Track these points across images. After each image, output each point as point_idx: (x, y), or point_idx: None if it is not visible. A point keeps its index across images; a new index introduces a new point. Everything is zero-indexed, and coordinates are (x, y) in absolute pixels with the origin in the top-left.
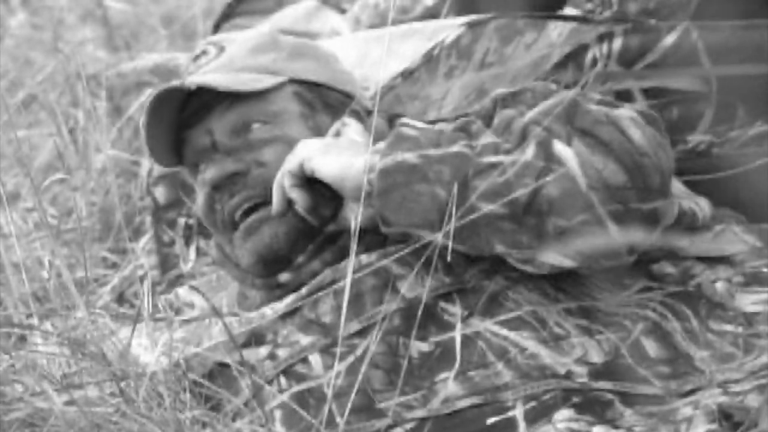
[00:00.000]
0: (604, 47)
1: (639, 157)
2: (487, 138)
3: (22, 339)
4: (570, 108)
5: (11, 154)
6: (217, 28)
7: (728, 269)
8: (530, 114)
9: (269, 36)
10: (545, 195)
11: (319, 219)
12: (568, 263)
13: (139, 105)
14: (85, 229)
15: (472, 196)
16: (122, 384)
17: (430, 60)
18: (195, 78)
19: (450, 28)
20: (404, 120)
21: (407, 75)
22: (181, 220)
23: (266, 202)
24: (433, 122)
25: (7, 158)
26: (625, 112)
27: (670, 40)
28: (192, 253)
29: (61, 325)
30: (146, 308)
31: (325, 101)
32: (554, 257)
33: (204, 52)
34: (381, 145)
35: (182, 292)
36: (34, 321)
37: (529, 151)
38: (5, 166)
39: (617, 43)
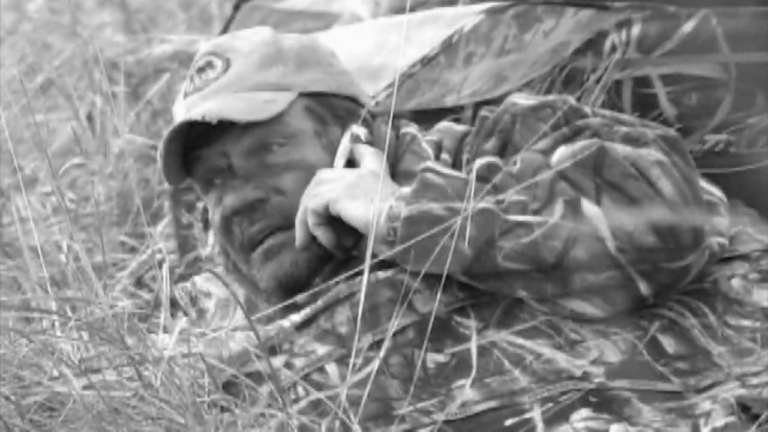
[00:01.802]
0: (623, 34)
1: (670, 215)
2: (514, 195)
3: (41, 323)
4: (598, 157)
5: (29, 139)
6: (237, 8)
7: (744, 265)
8: (557, 157)
9: (273, 45)
10: (573, 257)
11: (342, 250)
12: (591, 311)
13: (157, 89)
14: (103, 213)
15: (497, 255)
16: (141, 368)
17: (449, 47)
18: (212, 106)
19: (469, 15)
20: (429, 164)
21: (426, 62)
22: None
23: (284, 227)
24: (450, 109)
25: (25, 142)
26: (651, 155)
27: (689, 26)
28: (210, 237)
29: (80, 310)
30: (165, 293)
31: (334, 113)
32: (578, 304)
33: (209, 64)
34: (406, 190)
35: (199, 280)
36: (53, 305)
37: (557, 212)
38: (23, 150)
39: (636, 30)
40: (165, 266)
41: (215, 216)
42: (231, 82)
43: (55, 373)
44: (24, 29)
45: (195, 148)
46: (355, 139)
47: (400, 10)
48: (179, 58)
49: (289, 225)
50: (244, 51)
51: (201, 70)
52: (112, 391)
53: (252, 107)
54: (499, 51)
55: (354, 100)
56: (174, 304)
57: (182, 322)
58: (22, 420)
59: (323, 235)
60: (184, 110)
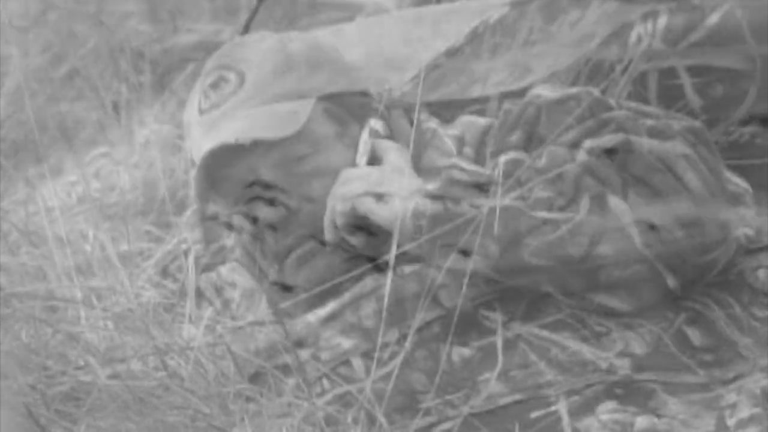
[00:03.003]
0: (649, 25)
1: (697, 209)
2: (540, 191)
3: (66, 312)
4: (623, 150)
5: (54, 128)
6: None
7: None
8: (582, 152)
9: (282, 51)
10: (600, 253)
11: (374, 248)
12: (617, 304)
13: (183, 79)
14: (128, 202)
15: (524, 252)
16: (166, 358)
17: (474, 38)
18: (240, 126)
19: (494, 6)
20: (454, 161)
21: (451, 53)
22: None
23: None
24: (476, 100)
25: (51, 132)
26: (677, 148)
27: (714, 18)
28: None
29: (105, 299)
30: (190, 283)
31: (351, 110)
32: (604, 298)
33: (222, 79)
34: (431, 187)
35: (224, 270)
36: (78, 294)
37: (584, 208)
38: (49, 139)
39: (662, 22)
40: (190, 256)
41: (244, 227)
42: (249, 96)
43: (81, 362)
44: (50, 18)
45: (221, 165)
46: (374, 134)
47: (424, 1)
48: (205, 48)
49: (321, 231)
50: (255, 61)
51: (214, 85)
52: (137, 381)
53: (279, 122)
54: (525, 42)
55: (365, 94)
56: (199, 294)
57: (208, 312)
58: (48, 409)
59: (354, 239)
60: (205, 128)
